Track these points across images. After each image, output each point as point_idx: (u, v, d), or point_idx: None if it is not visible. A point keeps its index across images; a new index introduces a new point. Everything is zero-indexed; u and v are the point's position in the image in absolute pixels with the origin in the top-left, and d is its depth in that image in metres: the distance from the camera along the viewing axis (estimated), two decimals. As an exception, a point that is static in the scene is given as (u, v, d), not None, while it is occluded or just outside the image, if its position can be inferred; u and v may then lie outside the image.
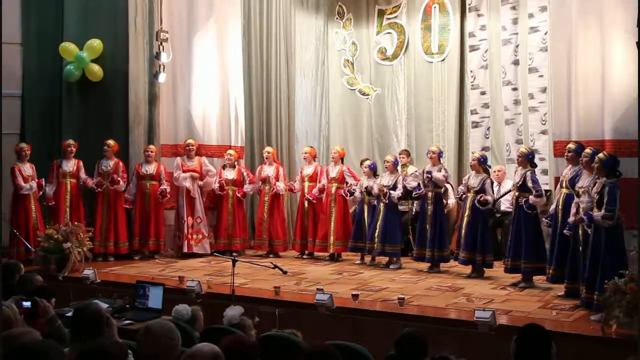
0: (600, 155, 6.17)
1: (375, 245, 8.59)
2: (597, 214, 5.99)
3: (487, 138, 10.04)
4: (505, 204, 8.86)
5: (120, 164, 9.22)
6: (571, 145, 6.89)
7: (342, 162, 9.47)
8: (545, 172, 8.65)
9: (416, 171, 8.76)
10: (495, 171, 9.16)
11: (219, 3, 10.10)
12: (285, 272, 7.18)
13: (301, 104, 11.35)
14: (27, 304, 4.24)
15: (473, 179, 7.93)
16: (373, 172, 8.92)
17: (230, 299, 5.87)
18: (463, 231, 7.89)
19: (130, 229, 9.26)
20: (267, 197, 9.52)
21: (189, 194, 9.40)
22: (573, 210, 6.44)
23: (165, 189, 9.25)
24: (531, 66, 9.18)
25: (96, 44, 9.44)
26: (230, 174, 9.61)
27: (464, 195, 7.95)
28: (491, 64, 9.94)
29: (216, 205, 9.73)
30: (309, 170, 9.50)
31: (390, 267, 8.52)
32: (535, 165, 7.49)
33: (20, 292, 4.59)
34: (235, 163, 9.67)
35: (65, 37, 9.58)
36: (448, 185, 8.82)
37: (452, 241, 8.60)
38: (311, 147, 9.92)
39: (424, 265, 8.33)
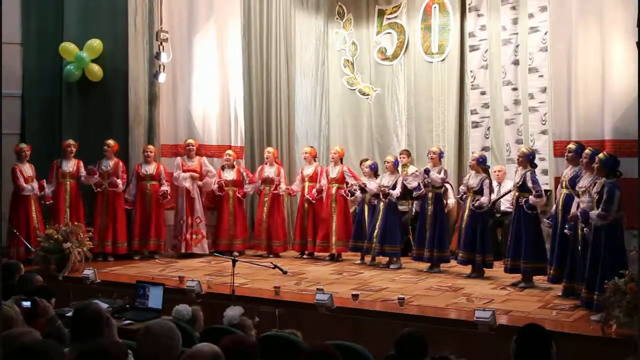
0: (600, 155, 6.17)
1: (374, 245, 8.58)
2: (592, 212, 6.00)
3: (487, 138, 10.04)
4: (505, 204, 8.86)
5: (120, 164, 9.22)
6: (571, 146, 6.89)
7: (342, 162, 9.47)
8: (545, 172, 8.65)
9: (417, 171, 8.76)
10: (495, 171, 9.16)
11: (219, 3, 10.10)
12: (285, 272, 7.18)
13: (301, 104, 11.35)
14: (27, 304, 4.24)
15: (472, 179, 7.94)
16: (374, 172, 8.93)
17: (230, 299, 5.87)
18: (463, 231, 7.89)
19: (130, 229, 9.26)
20: (267, 198, 9.52)
21: (188, 194, 9.41)
22: (574, 209, 6.45)
23: (166, 190, 9.25)
24: (531, 66, 9.18)
25: (96, 44, 9.44)
26: (229, 175, 9.61)
27: (464, 195, 7.95)
28: (491, 64, 9.94)
29: (216, 206, 9.72)
30: (309, 170, 9.50)
31: (390, 267, 8.52)
32: (536, 166, 7.49)
33: (20, 292, 4.59)
34: (234, 163, 9.67)
35: (65, 37, 9.59)
36: (448, 185, 8.82)
37: (452, 241, 8.60)
38: (311, 147, 9.92)
39: (424, 265, 8.33)
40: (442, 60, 10.52)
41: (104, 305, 4.93)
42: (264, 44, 10.84)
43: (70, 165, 9.05)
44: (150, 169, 9.31)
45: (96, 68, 9.45)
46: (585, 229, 6.22)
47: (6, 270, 5.22)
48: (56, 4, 9.74)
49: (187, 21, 9.96)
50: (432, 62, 10.63)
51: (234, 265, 6.32)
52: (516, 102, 9.56)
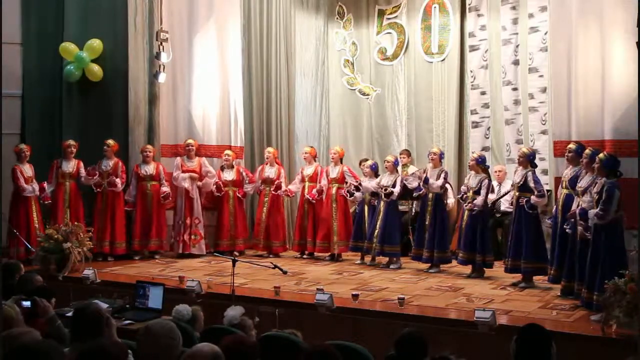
0: (601, 155, 6.17)
1: (374, 245, 8.58)
2: (590, 211, 6.01)
3: (487, 138, 10.04)
4: (505, 204, 8.86)
5: (120, 163, 9.22)
6: (571, 146, 6.90)
7: (342, 162, 9.47)
8: (545, 172, 8.65)
9: (417, 171, 8.75)
10: (496, 171, 9.17)
11: (219, 3, 10.10)
12: (285, 272, 7.18)
13: (301, 104, 11.35)
14: (27, 303, 4.24)
15: (472, 180, 7.94)
16: (374, 172, 8.93)
17: (230, 299, 5.87)
18: (463, 231, 7.89)
19: (130, 230, 9.25)
20: (267, 198, 9.52)
21: (187, 194, 9.41)
22: (574, 208, 6.45)
23: (168, 191, 9.26)
24: (531, 66, 9.18)
25: (96, 44, 9.44)
26: (229, 175, 9.61)
27: (464, 195, 7.96)
28: (491, 64, 9.94)
29: (216, 206, 9.72)
30: (309, 170, 9.50)
31: (390, 267, 8.52)
32: (536, 166, 7.49)
33: (20, 292, 4.59)
34: (234, 163, 9.66)
35: (65, 37, 9.58)
36: (447, 186, 8.81)
37: (452, 241, 8.60)
38: (311, 147, 9.92)
39: (425, 265, 8.33)
40: (442, 60, 10.52)
41: (104, 305, 4.93)
42: (264, 44, 10.84)
43: (70, 166, 9.04)
44: (150, 169, 9.31)
45: (96, 68, 9.44)
46: (579, 227, 6.22)
47: (6, 270, 5.21)
48: (56, 4, 9.74)
49: (187, 21, 9.96)
50: (432, 62, 10.63)
51: (234, 265, 6.32)
52: (516, 102, 9.56)
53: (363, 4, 11.30)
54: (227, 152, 9.71)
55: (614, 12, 7.05)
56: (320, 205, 9.33)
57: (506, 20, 9.66)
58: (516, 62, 9.55)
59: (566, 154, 6.94)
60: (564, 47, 7.54)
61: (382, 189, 8.58)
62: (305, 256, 9.38)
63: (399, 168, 9.41)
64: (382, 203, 8.61)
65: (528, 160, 7.39)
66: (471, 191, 7.88)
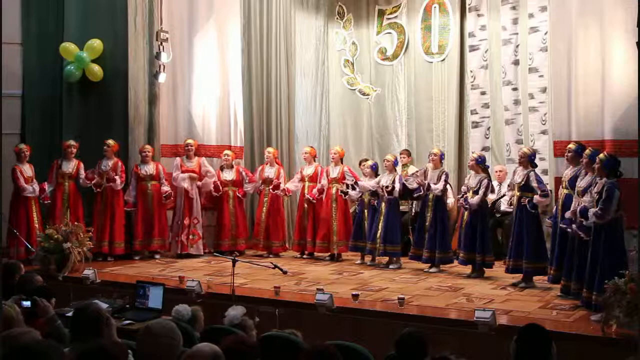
0: (601, 155, 6.17)
1: (378, 245, 8.57)
2: (591, 210, 6.01)
3: (487, 138, 10.04)
4: (505, 204, 8.85)
5: (120, 163, 9.21)
6: (571, 146, 6.89)
7: (342, 162, 9.46)
8: (545, 172, 8.64)
9: (417, 171, 8.74)
10: (497, 171, 9.17)
11: (219, 3, 10.10)
12: (285, 272, 7.18)
13: (301, 104, 11.36)
14: (27, 303, 4.24)
15: (472, 180, 7.94)
16: (375, 172, 8.93)
17: (231, 299, 5.87)
18: (463, 231, 7.89)
19: (131, 230, 9.24)
20: (267, 198, 9.52)
21: (187, 194, 9.41)
22: (574, 207, 6.46)
23: (170, 191, 9.28)
24: (531, 66, 9.17)
25: (96, 44, 9.44)
26: (228, 175, 9.61)
27: (465, 195, 7.96)
28: (491, 64, 9.94)
29: (215, 206, 9.72)
30: (309, 170, 9.50)
31: (390, 267, 8.51)
32: (536, 166, 7.50)
33: (20, 292, 4.59)
34: (233, 163, 9.66)
35: (65, 37, 9.59)
36: (447, 186, 8.80)
37: (452, 241, 8.59)
38: (311, 147, 9.92)
39: (425, 265, 8.32)
40: (442, 60, 10.52)
41: (104, 305, 4.93)
42: (264, 44, 10.85)
43: (70, 166, 9.04)
44: (150, 169, 9.31)
45: (96, 68, 9.45)
46: (573, 225, 6.25)
47: (6, 270, 5.22)
48: (56, 4, 9.74)
49: (187, 21, 9.97)
50: (432, 62, 10.63)
51: (234, 265, 6.32)
52: (516, 102, 9.56)
53: (363, 4, 11.30)
54: (227, 152, 9.72)
55: (614, 12, 7.05)
56: (320, 205, 9.32)
57: (506, 20, 9.66)
58: (516, 62, 9.54)
59: (566, 154, 6.94)
60: (564, 47, 7.54)
61: (382, 188, 8.57)
62: (305, 256, 9.38)
63: (399, 168, 9.41)
64: (383, 203, 8.61)
65: (529, 160, 7.39)
66: (471, 191, 7.88)
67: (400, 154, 10.11)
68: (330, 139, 11.42)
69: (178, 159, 9.56)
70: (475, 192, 7.82)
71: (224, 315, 4.72)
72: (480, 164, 7.97)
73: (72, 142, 9.09)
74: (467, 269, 7.95)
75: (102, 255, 9.01)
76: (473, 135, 10.14)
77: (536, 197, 7.19)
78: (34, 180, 8.86)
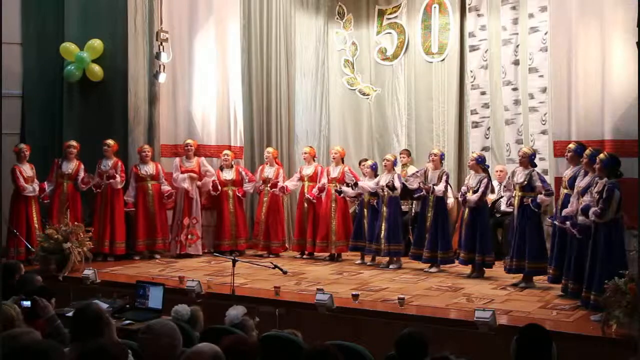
0: (601, 155, 6.17)
1: (382, 245, 8.55)
2: (592, 208, 6.01)
3: (487, 138, 10.04)
4: (505, 204, 8.84)
5: (120, 163, 9.20)
6: (571, 145, 6.90)
7: (343, 163, 9.45)
8: (545, 172, 8.63)
9: (417, 172, 8.74)
10: (497, 171, 9.17)
11: (219, 3, 10.10)
12: (285, 272, 7.19)
13: (301, 104, 11.35)
14: (27, 303, 4.24)
15: (472, 179, 7.94)
16: (374, 172, 8.92)
17: (230, 299, 5.87)
18: (463, 231, 7.89)
19: (131, 230, 9.24)
20: (267, 198, 9.52)
21: (187, 194, 9.41)
22: (572, 206, 6.47)
23: (172, 191, 9.31)
24: (531, 66, 9.17)
25: (97, 44, 9.44)
26: (228, 174, 9.61)
27: (464, 194, 7.95)
28: (491, 64, 9.94)
29: (215, 205, 9.72)
30: (309, 170, 9.50)
31: (390, 267, 8.51)
32: (535, 165, 7.50)
33: (20, 292, 4.59)
34: (233, 163, 9.66)
35: (65, 37, 9.59)
36: (447, 186, 8.80)
37: (452, 241, 8.59)
38: (311, 147, 9.92)
39: (425, 265, 8.32)
40: (442, 60, 10.52)
41: (104, 305, 4.93)
42: (264, 44, 10.85)
43: (70, 167, 9.03)
44: (150, 169, 9.31)
45: (97, 68, 9.45)
46: (568, 222, 6.29)
47: (6, 270, 5.22)
48: (56, 4, 9.74)
49: (187, 21, 9.97)
50: (432, 62, 10.63)
51: (234, 265, 6.32)
52: (516, 102, 9.56)
53: (363, 4, 11.30)
54: (226, 152, 9.72)
55: (614, 12, 7.05)
56: (320, 205, 9.33)
57: (506, 20, 9.66)
58: (516, 62, 9.54)
59: (566, 154, 6.95)
60: (564, 48, 7.55)
61: (383, 188, 8.57)
62: (305, 256, 9.38)
63: (398, 168, 9.41)
64: (383, 204, 8.58)
65: (530, 160, 7.39)
66: (471, 191, 7.87)
67: (400, 154, 10.12)
68: (330, 139, 11.41)
69: (177, 159, 9.56)
70: (475, 192, 7.82)
71: (224, 315, 4.72)
72: (481, 164, 7.97)
73: (72, 143, 9.09)
74: (467, 269, 7.95)
75: (103, 255, 9.00)
76: (473, 135, 10.14)
77: (540, 196, 7.18)
78: (35, 180, 8.85)
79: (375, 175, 8.90)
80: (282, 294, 6.79)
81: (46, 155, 9.39)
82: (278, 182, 9.44)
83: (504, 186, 8.09)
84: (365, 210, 8.89)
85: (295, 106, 11.23)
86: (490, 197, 8.62)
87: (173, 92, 9.91)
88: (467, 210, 7.87)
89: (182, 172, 9.40)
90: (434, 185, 8.21)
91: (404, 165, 9.98)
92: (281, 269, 7.01)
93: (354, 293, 6.52)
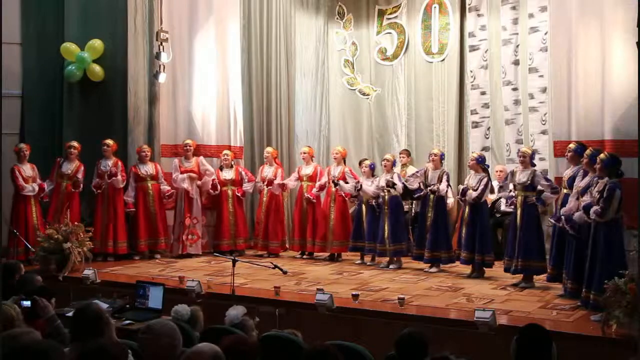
0: (602, 155, 6.18)
1: (387, 246, 8.54)
2: (593, 207, 6.02)
3: (487, 138, 10.04)
4: (505, 204, 8.84)
5: (120, 163, 9.21)
6: (572, 145, 6.91)
7: (345, 163, 9.44)
8: (545, 172, 8.63)
9: (417, 172, 8.74)
10: (497, 171, 9.16)
11: (219, 3, 10.11)
12: (285, 272, 7.18)
13: (301, 104, 11.36)
14: (27, 303, 4.24)
15: (472, 179, 7.94)
16: (372, 171, 8.92)
17: (230, 299, 5.87)
18: (463, 231, 7.89)
19: (131, 230, 9.23)
20: (266, 198, 9.52)
21: (187, 194, 9.41)
22: (572, 205, 6.48)
23: (173, 191, 9.32)
24: (531, 66, 9.17)
25: (97, 44, 9.45)
26: (228, 174, 9.61)
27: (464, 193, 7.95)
28: (491, 64, 9.94)
29: (215, 205, 9.72)
30: (308, 170, 9.50)
31: (390, 267, 8.51)
32: (534, 165, 7.52)
33: (20, 292, 4.59)
34: (232, 163, 9.66)
35: (65, 37, 9.60)
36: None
37: (452, 241, 8.59)
38: (309, 146, 9.92)
39: (425, 265, 8.32)
40: (442, 60, 10.52)
41: (104, 305, 4.93)
42: (264, 44, 10.85)
43: (70, 167, 9.03)
44: (150, 169, 9.31)
45: (97, 68, 9.45)
46: (563, 217, 6.31)
47: (6, 270, 5.22)
48: (56, 4, 9.75)
49: (187, 21, 9.97)
50: (432, 62, 10.63)
51: (234, 265, 6.32)
52: (516, 102, 9.56)
53: (363, 4, 11.29)
54: (226, 152, 9.72)
55: (614, 12, 7.05)
56: (319, 205, 9.33)
57: (506, 20, 9.66)
58: (516, 62, 9.54)
59: (566, 154, 6.95)
60: (564, 48, 7.55)
61: (383, 189, 8.56)
62: (305, 256, 9.38)
63: (397, 168, 9.40)
64: (385, 204, 8.56)
65: (530, 160, 7.40)
66: (471, 190, 7.87)
67: (400, 154, 10.11)
68: (330, 139, 11.41)
69: (176, 159, 9.55)
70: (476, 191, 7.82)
71: (224, 315, 4.72)
72: (481, 164, 7.98)
73: (73, 143, 9.09)
74: (468, 269, 7.95)
75: (106, 254, 9.00)
76: (473, 135, 10.14)
77: (546, 194, 7.17)
78: (37, 179, 8.85)
79: (373, 175, 8.89)
80: (282, 294, 6.79)
81: (46, 156, 9.39)
82: (273, 179, 9.42)
83: (500, 186, 8.09)
84: (364, 210, 8.88)
85: (295, 106, 11.24)
86: (490, 197, 8.62)
87: (173, 92, 9.91)
88: (467, 209, 7.86)
89: (182, 173, 9.40)
90: (434, 184, 8.20)
91: (404, 165, 9.97)
92: (281, 269, 7.01)
93: (354, 293, 6.52)
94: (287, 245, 9.77)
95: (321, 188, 9.28)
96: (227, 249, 9.44)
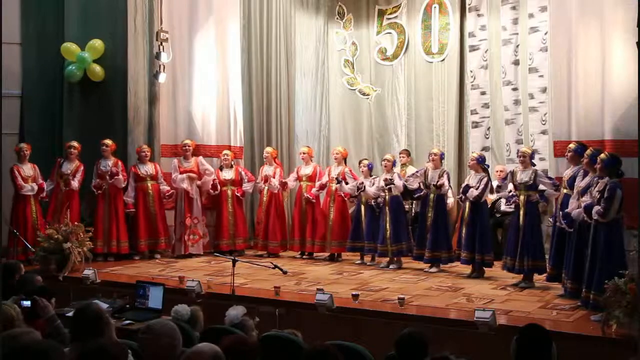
0: (602, 155, 6.18)
1: (389, 247, 8.53)
2: (595, 207, 6.02)
3: (487, 138, 10.05)
4: (505, 204, 8.84)
5: (120, 163, 9.20)
6: (572, 145, 6.90)
7: (345, 163, 9.44)
8: (545, 172, 8.63)
9: (417, 171, 8.74)
10: (497, 171, 9.16)
11: (219, 3, 10.11)
12: (285, 272, 7.18)
13: (301, 104, 11.36)
14: (27, 303, 4.24)
15: (472, 179, 7.94)
16: (370, 170, 8.92)
17: (230, 299, 5.87)
18: (463, 231, 7.89)
19: (132, 230, 9.23)
20: (266, 198, 9.52)
21: (187, 194, 9.41)
22: (572, 207, 6.48)
23: (173, 191, 9.33)
24: (531, 66, 9.18)
25: (98, 44, 9.45)
26: (228, 174, 9.61)
27: (464, 197, 7.95)
28: (491, 64, 9.95)
29: (214, 205, 9.72)
30: (307, 170, 9.50)
31: (390, 267, 8.51)
32: (535, 165, 7.52)
33: (20, 292, 4.59)
34: (232, 163, 9.66)
35: (65, 37, 9.60)
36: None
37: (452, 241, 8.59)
38: (308, 147, 9.92)
39: (425, 265, 8.32)
40: (442, 60, 10.52)
41: (104, 305, 4.93)
42: (264, 44, 10.85)
43: (70, 167, 9.02)
44: (150, 169, 9.32)
45: (98, 68, 9.45)
46: (559, 218, 6.32)
47: (6, 270, 5.22)
48: (56, 4, 9.75)
49: (187, 21, 9.97)
50: (432, 62, 10.63)
51: (234, 265, 6.32)
52: (516, 102, 9.56)
53: (363, 4, 11.30)
54: (226, 152, 9.72)
55: (614, 12, 7.06)
56: (319, 205, 9.33)
57: (506, 20, 9.66)
58: (516, 62, 9.55)
59: (567, 154, 6.95)
60: (564, 47, 7.55)
61: (383, 189, 8.56)
62: (304, 256, 9.38)
63: (397, 168, 9.40)
64: (386, 204, 8.56)
65: (530, 159, 7.41)
66: (472, 189, 7.87)
67: (400, 154, 10.12)
68: (330, 139, 11.42)
69: (175, 160, 9.55)
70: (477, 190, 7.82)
71: (224, 315, 4.72)
72: (481, 164, 7.98)
73: (73, 143, 9.09)
74: (467, 269, 7.95)
75: (111, 255, 9.00)
76: (473, 135, 10.14)
77: (549, 190, 7.19)
78: (37, 179, 8.84)
79: (371, 175, 8.89)
80: (282, 294, 6.79)
81: (46, 156, 9.39)
82: (270, 176, 9.42)
83: (499, 186, 8.09)
84: (363, 210, 8.88)
85: (295, 106, 11.24)
86: (490, 197, 8.61)
87: (173, 92, 9.91)
88: (467, 209, 7.86)
89: (181, 173, 9.40)
90: (433, 183, 8.20)
91: (403, 165, 9.97)
92: (281, 269, 7.02)
93: (354, 293, 6.51)
94: (287, 245, 9.77)
95: (322, 187, 9.28)
96: (226, 249, 9.43)
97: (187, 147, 9.51)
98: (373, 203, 8.71)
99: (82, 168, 9.07)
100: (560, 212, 6.53)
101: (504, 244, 8.39)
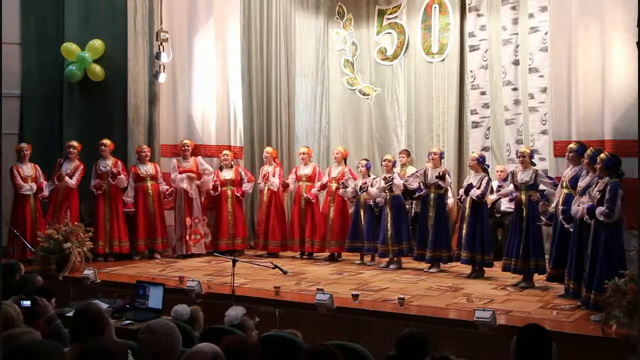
0: (602, 155, 6.17)
1: (390, 247, 8.53)
2: (598, 209, 6.02)
3: (487, 138, 10.05)
4: (505, 204, 8.85)
5: (119, 163, 9.20)
6: (572, 145, 6.90)
7: (346, 163, 9.44)
8: (545, 172, 8.63)
9: (417, 171, 8.74)
10: (497, 171, 9.16)
11: (219, 3, 10.11)
12: (285, 272, 7.17)
13: (301, 104, 11.36)
14: (27, 303, 4.24)
15: (473, 179, 7.94)
16: (368, 170, 8.92)
17: (230, 299, 5.87)
18: (464, 231, 7.89)
19: (132, 230, 9.23)
20: (266, 198, 9.52)
21: (187, 194, 9.41)
22: (574, 208, 6.47)
23: (172, 189, 9.31)
24: (531, 66, 9.18)
25: (98, 44, 9.45)
26: (227, 175, 9.61)
27: (463, 198, 7.95)
28: (491, 64, 9.95)
29: (214, 205, 9.72)
30: (306, 170, 9.49)
31: (390, 267, 8.51)
32: (534, 165, 7.52)
33: (20, 292, 4.59)
34: (232, 163, 9.66)
35: (65, 37, 9.59)
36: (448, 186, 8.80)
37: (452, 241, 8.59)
38: (307, 147, 9.92)
39: (425, 266, 8.32)
40: (442, 60, 10.53)
41: (104, 305, 4.93)
42: (264, 44, 10.85)
43: (70, 167, 9.02)
44: (150, 169, 9.32)
45: (98, 68, 9.45)
46: (560, 216, 6.36)
47: (6, 270, 5.22)
48: (56, 4, 9.75)
49: (187, 21, 9.97)
50: (432, 62, 10.64)
51: (234, 265, 6.31)
52: (516, 102, 9.57)
53: (363, 4, 11.30)
54: (226, 152, 9.72)
55: (614, 12, 7.05)
56: (318, 205, 9.33)
57: (506, 20, 9.67)
58: (516, 62, 9.55)
59: (567, 154, 6.95)
60: (564, 47, 7.55)
61: (384, 190, 8.56)
62: (304, 256, 9.38)
63: (397, 168, 9.40)
64: (387, 204, 8.56)
65: (530, 159, 7.41)
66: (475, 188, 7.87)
67: (400, 154, 10.12)
68: (330, 139, 11.43)
69: (174, 160, 9.55)
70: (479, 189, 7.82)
71: (224, 315, 4.72)
72: (481, 164, 7.98)
73: (73, 143, 9.09)
74: (467, 269, 7.95)
75: (113, 255, 9.01)
76: (473, 135, 10.14)
77: (549, 190, 7.20)
78: (38, 179, 8.84)
79: (369, 175, 8.88)
80: (282, 294, 6.79)
81: (46, 155, 9.38)
82: (270, 174, 9.41)
83: (499, 186, 8.08)
84: (362, 210, 8.87)
85: (295, 106, 11.24)
86: (490, 198, 8.62)
87: (173, 92, 9.91)
88: (467, 209, 7.86)
89: (180, 173, 9.40)
90: (438, 174, 8.20)
91: (403, 165, 9.97)
92: (281, 269, 7.00)
93: (354, 293, 6.51)
94: (286, 246, 9.76)
95: (322, 188, 9.28)
96: (225, 249, 9.43)
97: (186, 147, 9.51)
98: (372, 203, 8.71)
99: (81, 167, 9.07)
100: (560, 208, 6.53)
101: (504, 244, 8.40)
